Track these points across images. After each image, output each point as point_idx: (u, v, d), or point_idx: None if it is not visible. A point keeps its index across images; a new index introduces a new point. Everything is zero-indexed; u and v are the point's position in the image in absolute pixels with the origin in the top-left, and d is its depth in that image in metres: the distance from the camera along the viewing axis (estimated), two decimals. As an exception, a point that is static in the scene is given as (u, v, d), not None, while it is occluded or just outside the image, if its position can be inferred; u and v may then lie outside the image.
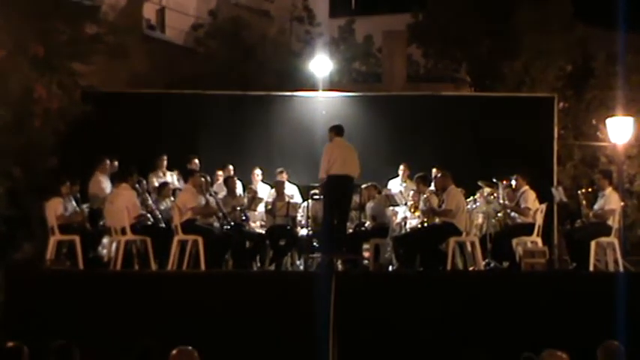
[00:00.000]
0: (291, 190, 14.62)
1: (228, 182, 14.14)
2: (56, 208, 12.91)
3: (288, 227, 13.72)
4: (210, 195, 13.50)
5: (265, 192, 14.62)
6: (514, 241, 13.00)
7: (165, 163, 14.84)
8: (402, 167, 14.84)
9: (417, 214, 13.46)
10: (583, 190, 13.64)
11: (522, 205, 13.09)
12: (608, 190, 12.80)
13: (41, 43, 13.96)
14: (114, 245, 12.90)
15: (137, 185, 13.49)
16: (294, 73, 22.16)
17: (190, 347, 6.66)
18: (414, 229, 13.32)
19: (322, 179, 12.86)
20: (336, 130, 13.10)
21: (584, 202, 13.25)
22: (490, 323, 11.08)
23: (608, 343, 7.21)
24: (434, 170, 13.90)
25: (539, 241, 12.92)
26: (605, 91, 20.23)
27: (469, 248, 12.92)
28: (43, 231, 13.18)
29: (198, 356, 6.63)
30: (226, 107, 16.41)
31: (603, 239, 12.64)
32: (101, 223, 13.47)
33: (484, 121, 16.10)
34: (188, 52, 23.68)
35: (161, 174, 14.77)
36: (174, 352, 6.62)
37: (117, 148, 14.73)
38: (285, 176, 14.62)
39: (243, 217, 13.62)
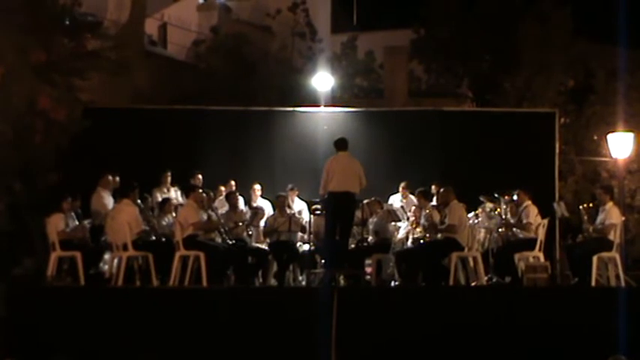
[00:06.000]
0: (300, 206, 14.63)
1: (230, 198, 14.14)
2: (57, 223, 12.91)
3: (290, 242, 13.71)
4: (212, 210, 13.50)
5: (265, 207, 14.61)
6: (516, 256, 12.97)
7: (169, 179, 14.84)
8: (402, 185, 14.85)
9: (418, 229, 13.45)
10: (584, 205, 13.62)
11: (524, 220, 13.08)
12: (609, 205, 12.82)
13: (44, 52, 13.97)
14: (115, 261, 12.89)
15: (140, 201, 13.48)
16: (295, 89, 22.19)
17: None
18: (416, 245, 13.30)
19: (322, 195, 12.88)
20: (337, 145, 13.10)
21: (585, 217, 13.24)
22: (492, 338, 11.06)
23: (615, 357, 7.21)
24: (433, 187, 13.90)
25: (541, 256, 12.91)
26: (605, 106, 20.26)
27: (471, 263, 12.91)
28: (44, 247, 13.16)
29: None
30: (228, 123, 16.38)
31: (605, 254, 12.62)
32: (103, 239, 13.45)
33: (485, 137, 16.08)
34: (190, 68, 23.72)
35: (165, 190, 14.77)
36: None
37: (119, 164, 14.72)
38: (295, 193, 14.68)
39: (247, 233, 13.63)
